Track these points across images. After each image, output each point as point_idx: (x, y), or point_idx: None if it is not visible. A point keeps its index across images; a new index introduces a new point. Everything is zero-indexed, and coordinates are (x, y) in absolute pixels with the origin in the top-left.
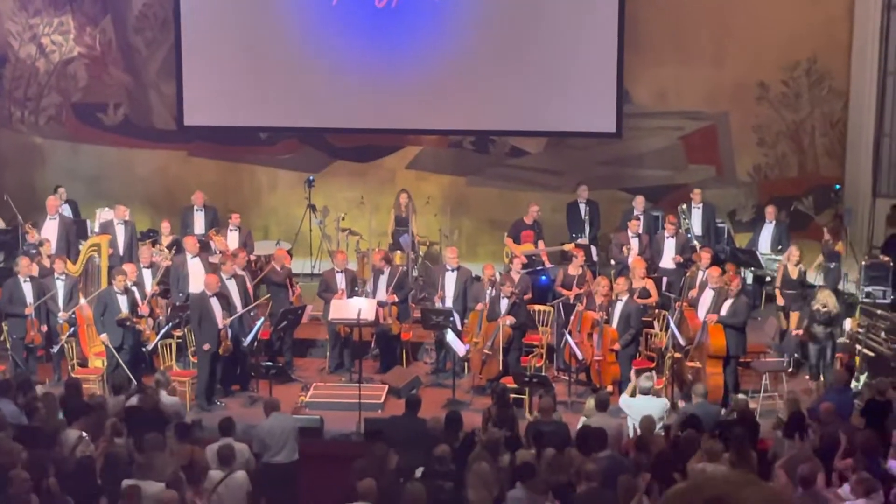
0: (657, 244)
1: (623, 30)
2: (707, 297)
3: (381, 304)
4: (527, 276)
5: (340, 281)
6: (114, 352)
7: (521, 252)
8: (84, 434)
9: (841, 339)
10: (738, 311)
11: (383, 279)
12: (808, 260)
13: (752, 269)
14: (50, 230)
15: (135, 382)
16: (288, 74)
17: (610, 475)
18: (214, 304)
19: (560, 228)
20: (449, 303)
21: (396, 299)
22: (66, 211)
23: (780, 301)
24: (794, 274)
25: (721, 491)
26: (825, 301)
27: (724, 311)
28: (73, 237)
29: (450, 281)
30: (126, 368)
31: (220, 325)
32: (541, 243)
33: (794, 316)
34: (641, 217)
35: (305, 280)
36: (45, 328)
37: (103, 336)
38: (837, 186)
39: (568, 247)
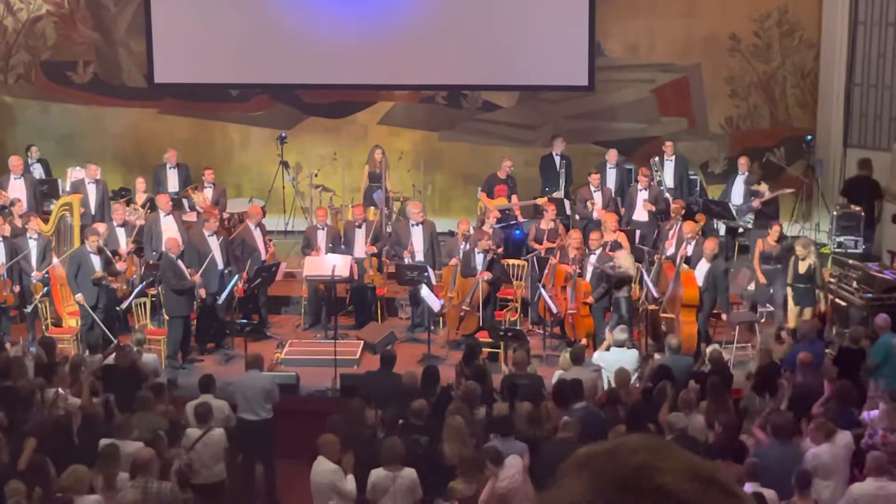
0: (630, 197)
1: None
2: (700, 268)
3: (356, 260)
4: (499, 231)
5: (321, 237)
6: (90, 311)
7: (494, 206)
8: (61, 390)
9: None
10: (719, 281)
11: (360, 233)
12: (784, 210)
13: (725, 220)
14: (16, 190)
15: (115, 341)
16: (259, 30)
17: (585, 427)
18: (181, 264)
19: (533, 182)
20: (419, 257)
21: (376, 250)
22: (38, 170)
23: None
24: (802, 269)
25: (640, 460)
26: (621, 262)
27: (699, 274)
28: (39, 197)
29: (416, 235)
30: (104, 327)
31: (195, 284)
32: (514, 198)
33: (807, 311)
34: (614, 170)
35: (279, 237)
36: (17, 288)
37: (79, 296)
38: (809, 137)
39: (541, 201)
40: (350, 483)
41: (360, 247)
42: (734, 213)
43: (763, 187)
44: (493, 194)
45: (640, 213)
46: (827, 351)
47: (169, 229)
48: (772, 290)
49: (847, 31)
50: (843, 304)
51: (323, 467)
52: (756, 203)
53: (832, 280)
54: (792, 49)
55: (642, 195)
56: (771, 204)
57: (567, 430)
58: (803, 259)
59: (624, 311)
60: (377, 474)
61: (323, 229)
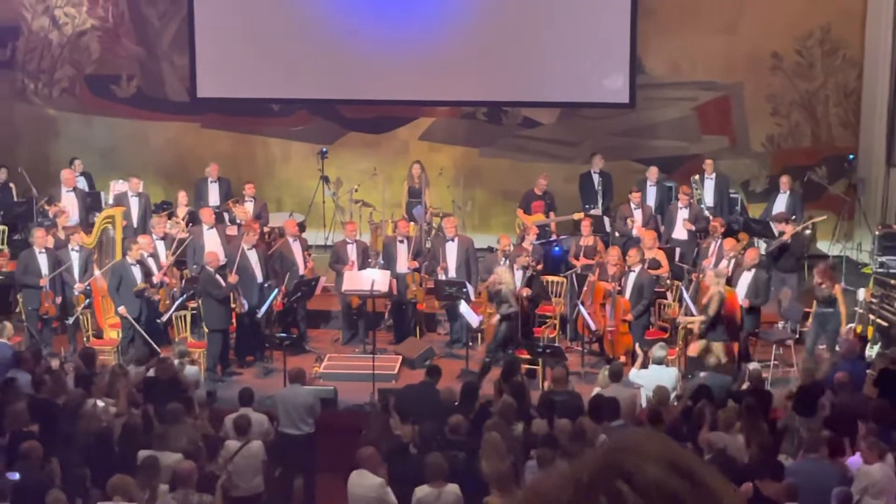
0: (670, 215)
1: None
2: (743, 280)
3: (398, 276)
4: (539, 247)
5: (351, 252)
6: (133, 323)
7: (532, 222)
8: (100, 402)
9: (855, 309)
10: (759, 290)
11: (403, 248)
12: (822, 230)
13: (766, 239)
14: (69, 203)
15: (159, 352)
16: (301, 46)
17: None
18: (220, 278)
19: (573, 199)
20: (452, 273)
21: (418, 265)
22: (81, 183)
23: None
24: (705, 300)
25: (619, 444)
26: (501, 278)
27: (741, 285)
28: (85, 210)
29: (450, 251)
30: (148, 339)
31: (233, 285)
32: (551, 214)
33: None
34: (655, 187)
35: (319, 252)
36: (59, 299)
37: (122, 308)
38: (851, 156)
39: (577, 216)
40: (394, 497)
41: (403, 262)
42: (775, 231)
43: (788, 228)
44: (530, 210)
45: (680, 232)
46: (868, 371)
47: (212, 243)
48: (823, 335)
49: (890, 50)
50: (885, 324)
51: (367, 481)
52: (786, 235)
53: (873, 300)
54: (835, 68)
55: (682, 213)
56: (800, 237)
57: None
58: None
59: (504, 329)
60: (422, 491)
61: (352, 244)
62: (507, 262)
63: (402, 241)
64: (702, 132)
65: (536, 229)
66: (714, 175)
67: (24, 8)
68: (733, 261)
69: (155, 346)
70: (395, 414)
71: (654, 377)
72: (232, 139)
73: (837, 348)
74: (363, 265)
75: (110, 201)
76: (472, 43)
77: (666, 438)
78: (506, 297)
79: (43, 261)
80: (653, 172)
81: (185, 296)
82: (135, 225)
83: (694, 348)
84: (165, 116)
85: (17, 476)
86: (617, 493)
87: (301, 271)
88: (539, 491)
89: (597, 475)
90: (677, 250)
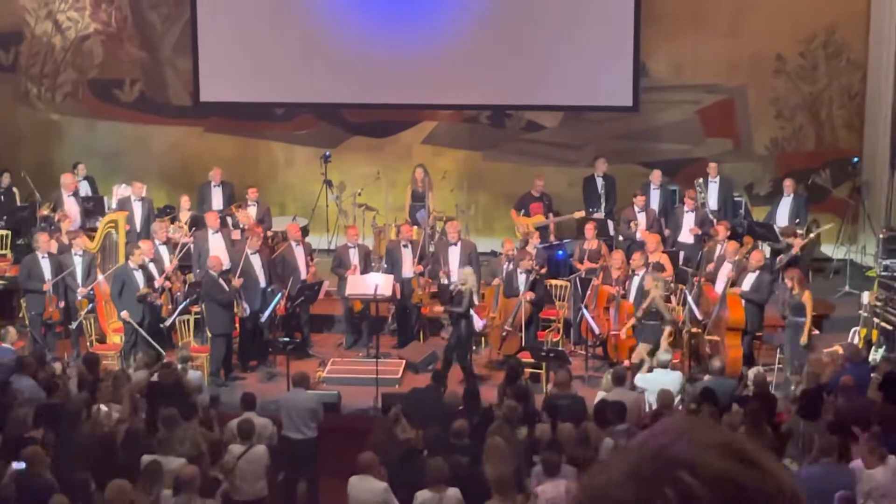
0: (675, 218)
1: (639, 2)
2: (746, 283)
3: (399, 280)
4: (542, 251)
5: (353, 256)
6: (137, 327)
7: (531, 224)
8: (103, 407)
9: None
10: (761, 288)
11: (407, 252)
12: (826, 234)
13: (770, 242)
14: (70, 208)
15: (164, 356)
16: (304, 50)
17: None
18: (223, 282)
19: (576, 203)
20: (455, 277)
21: (422, 269)
22: (85, 187)
23: None
24: (645, 303)
25: (675, 432)
26: (465, 279)
27: (746, 286)
28: (85, 214)
29: (453, 255)
30: (153, 343)
31: (237, 290)
32: (550, 215)
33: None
34: (658, 191)
35: (322, 256)
36: (63, 304)
37: (124, 313)
38: (855, 159)
39: (578, 215)
40: (397, 502)
41: (408, 266)
42: (778, 235)
43: (797, 241)
44: (529, 212)
45: (686, 236)
46: (872, 375)
47: (216, 247)
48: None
49: (894, 52)
50: (890, 327)
51: (370, 486)
52: (795, 249)
53: (878, 303)
54: (839, 70)
55: (688, 218)
56: (807, 248)
57: None
58: (648, 293)
59: (463, 332)
60: (423, 496)
61: (354, 248)
62: (511, 265)
63: (406, 246)
64: (705, 135)
65: (538, 233)
66: (718, 178)
67: (27, 12)
68: (737, 264)
69: (160, 349)
70: (402, 418)
71: (658, 381)
72: (235, 143)
73: (806, 370)
74: (365, 269)
75: (114, 206)
76: (476, 46)
77: (714, 424)
78: (462, 298)
79: (46, 266)
80: (656, 176)
81: (188, 300)
82: (138, 229)
83: (638, 354)
84: (169, 121)
85: (22, 465)
86: (683, 484)
87: (304, 276)
88: (595, 490)
89: (658, 468)
90: (681, 254)
